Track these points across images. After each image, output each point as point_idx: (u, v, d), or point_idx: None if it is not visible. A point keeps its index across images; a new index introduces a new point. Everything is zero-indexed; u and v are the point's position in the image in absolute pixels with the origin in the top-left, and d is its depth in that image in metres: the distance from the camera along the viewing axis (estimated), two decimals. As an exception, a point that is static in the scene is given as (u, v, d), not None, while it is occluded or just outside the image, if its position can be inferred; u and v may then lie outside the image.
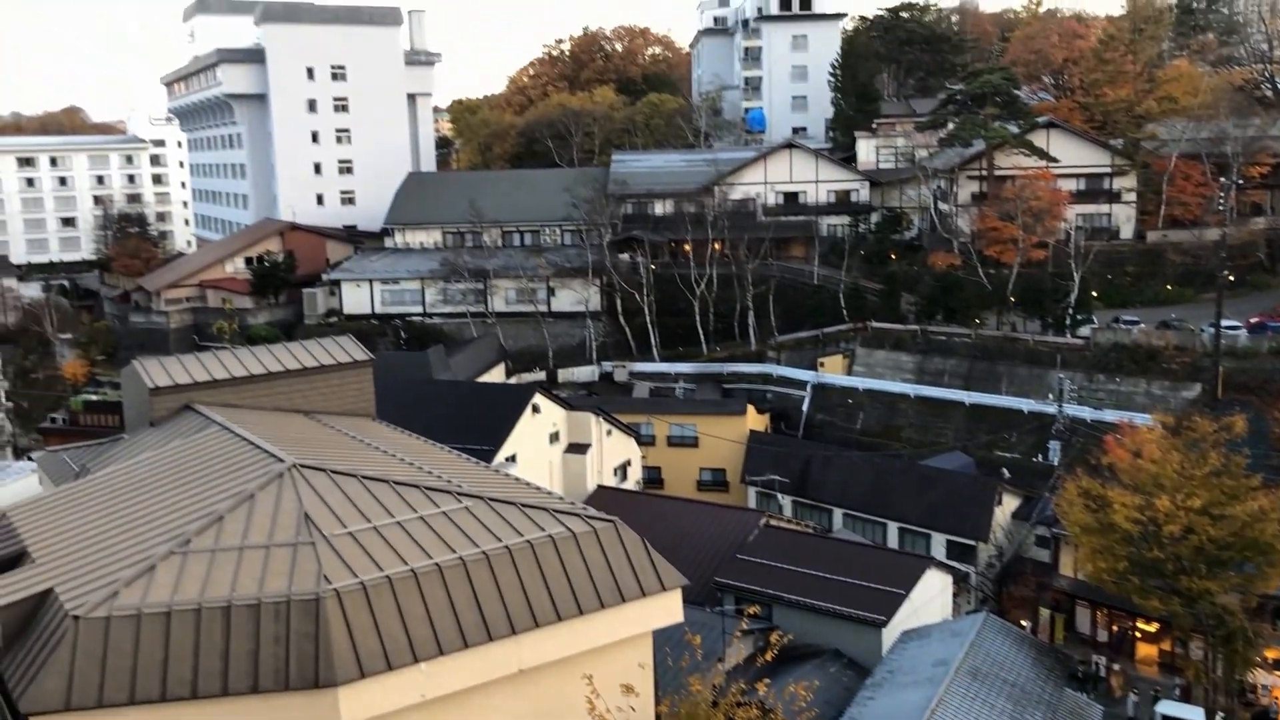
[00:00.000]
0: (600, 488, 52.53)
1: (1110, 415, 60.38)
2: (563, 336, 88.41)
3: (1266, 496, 39.28)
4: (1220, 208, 76.03)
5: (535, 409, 51.09)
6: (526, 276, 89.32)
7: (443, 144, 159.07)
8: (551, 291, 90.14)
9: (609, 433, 55.54)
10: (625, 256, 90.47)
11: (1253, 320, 71.75)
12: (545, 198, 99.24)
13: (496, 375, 78.92)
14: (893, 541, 54.03)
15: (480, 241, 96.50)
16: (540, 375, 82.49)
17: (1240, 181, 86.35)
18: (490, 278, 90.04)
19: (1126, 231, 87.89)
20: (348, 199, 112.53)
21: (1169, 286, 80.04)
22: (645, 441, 62.84)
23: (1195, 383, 64.23)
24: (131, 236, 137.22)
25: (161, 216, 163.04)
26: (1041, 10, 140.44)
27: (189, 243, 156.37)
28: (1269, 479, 42.62)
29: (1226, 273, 68.97)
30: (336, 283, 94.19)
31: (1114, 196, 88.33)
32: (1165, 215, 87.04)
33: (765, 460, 61.21)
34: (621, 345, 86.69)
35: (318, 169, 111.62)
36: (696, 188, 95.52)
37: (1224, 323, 65.23)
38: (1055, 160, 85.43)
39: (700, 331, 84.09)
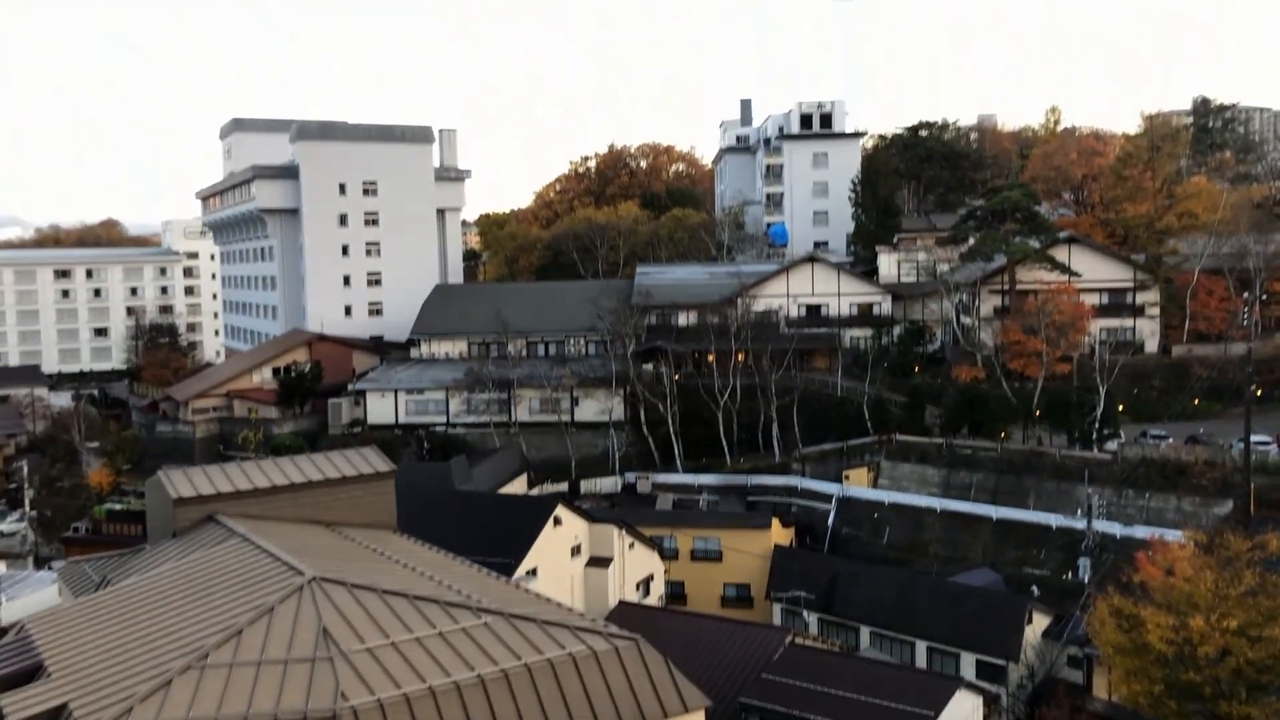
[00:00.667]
0: (622, 603, 51.76)
1: (1140, 531, 59.33)
2: (586, 447, 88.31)
3: (1305, 618, 38.27)
4: (1244, 322, 75.86)
5: (557, 521, 50.74)
6: (550, 386, 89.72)
7: (470, 256, 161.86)
8: (575, 401, 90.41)
9: (631, 546, 54.97)
10: (649, 367, 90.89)
11: (1283, 436, 70.97)
12: (570, 309, 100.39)
13: (519, 486, 78.62)
14: (921, 660, 52.73)
15: (505, 352, 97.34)
16: (563, 486, 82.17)
17: (1264, 296, 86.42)
18: (514, 387, 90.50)
19: (1151, 346, 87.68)
20: (375, 310, 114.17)
21: (1196, 401, 79.40)
22: (668, 555, 62.12)
23: (1227, 499, 63.13)
24: (162, 347, 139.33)
25: (192, 327, 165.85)
26: (1059, 128, 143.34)
27: (218, 353, 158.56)
28: (1307, 599, 41.55)
29: (1254, 387, 68.42)
30: (361, 393, 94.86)
31: (1137, 311, 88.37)
32: (1189, 329, 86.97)
33: (790, 575, 60.27)
34: (645, 456, 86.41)
35: (346, 281, 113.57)
36: (719, 299, 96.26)
37: (1253, 438, 64.45)
38: (1077, 275, 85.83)
39: (724, 443, 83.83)
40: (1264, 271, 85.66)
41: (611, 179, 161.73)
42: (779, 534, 66.88)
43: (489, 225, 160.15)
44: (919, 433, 78.34)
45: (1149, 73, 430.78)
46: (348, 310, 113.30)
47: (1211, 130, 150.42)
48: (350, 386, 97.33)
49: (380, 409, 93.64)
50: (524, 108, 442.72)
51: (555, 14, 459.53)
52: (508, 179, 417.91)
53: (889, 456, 77.23)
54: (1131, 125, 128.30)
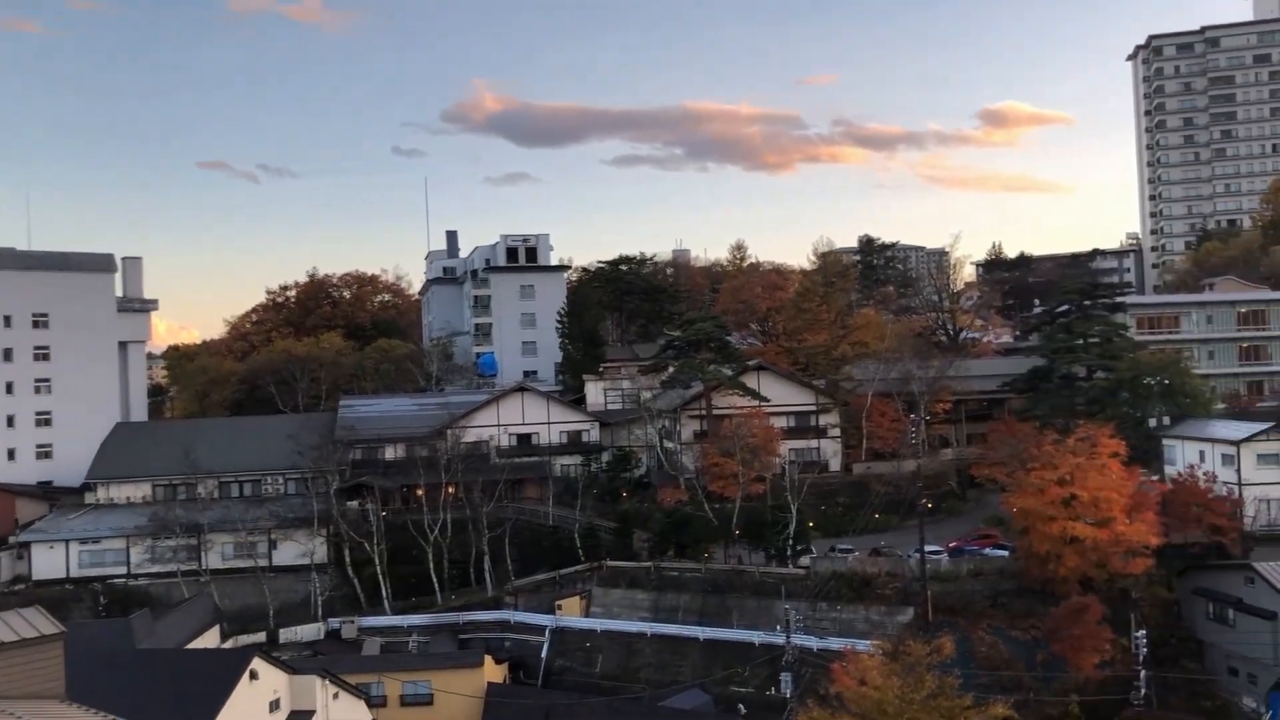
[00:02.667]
0: (326, 758, 48.60)
1: (835, 643, 62.72)
2: (286, 592, 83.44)
3: (979, 716, 41.63)
4: (913, 441, 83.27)
5: (253, 675, 47.27)
6: (246, 529, 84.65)
7: (157, 392, 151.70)
8: (273, 544, 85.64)
9: (336, 696, 52.00)
10: (354, 504, 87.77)
11: (951, 545, 77.81)
12: (267, 446, 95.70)
13: (210, 639, 72.76)
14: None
15: (195, 494, 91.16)
16: (260, 636, 76.90)
17: (928, 417, 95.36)
18: (205, 532, 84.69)
19: (835, 464, 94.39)
20: (44, 452, 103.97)
21: (877, 515, 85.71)
22: (376, 703, 59.18)
23: (908, 607, 68.08)
24: None
25: None
26: (745, 264, 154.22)
27: None
28: (979, 698, 45.32)
29: (925, 501, 74.83)
30: (25, 545, 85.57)
31: (821, 432, 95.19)
32: (867, 448, 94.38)
33: (505, 714, 58.98)
34: (350, 599, 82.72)
35: (10, 422, 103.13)
36: (429, 431, 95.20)
37: (927, 548, 70.28)
38: (766, 399, 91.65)
39: (434, 579, 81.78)
40: (927, 394, 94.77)
41: (313, 309, 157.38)
42: (492, 671, 65.57)
43: (178, 358, 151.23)
44: (629, 557, 79.77)
45: (822, 213, 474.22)
46: (10, 454, 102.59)
47: (876, 267, 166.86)
48: (12, 539, 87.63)
49: (49, 562, 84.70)
50: (220, 231, 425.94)
51: (252, 134, 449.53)
52: (200, 309, 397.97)
53: (601, 583, 77.99)
54: (807, 261, 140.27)
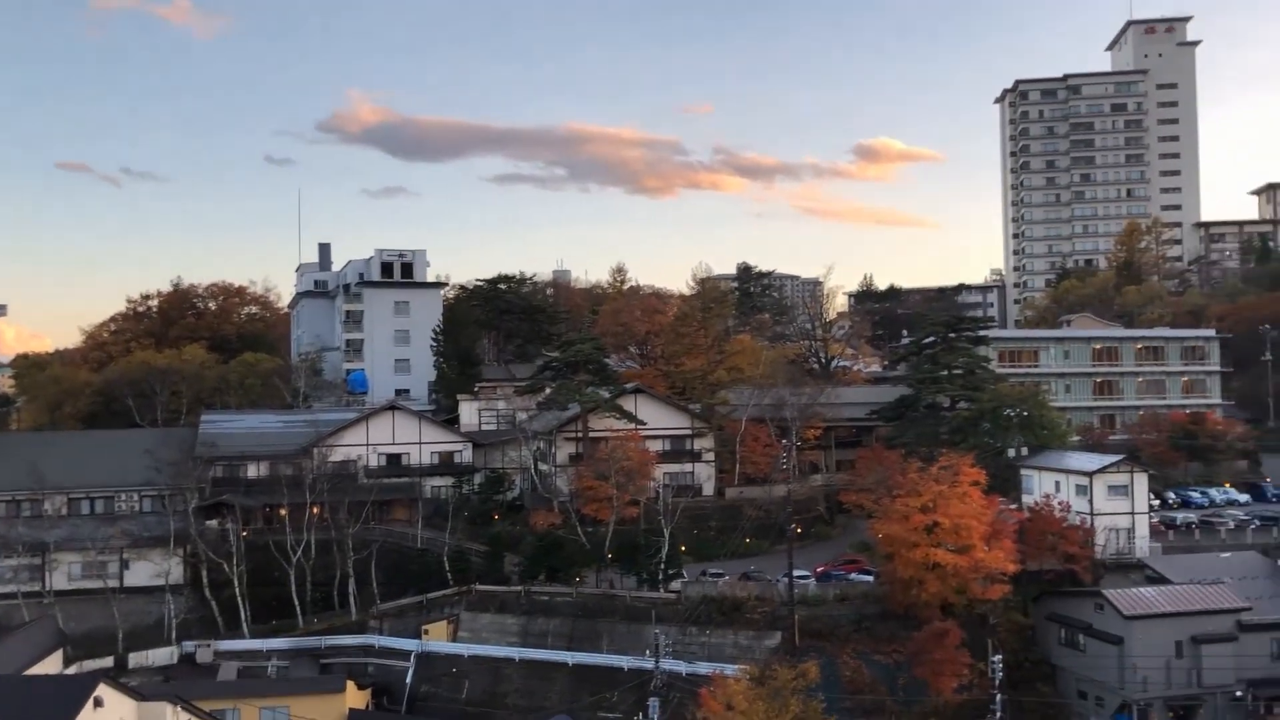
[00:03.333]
0: (174, 790, 46.57)
1: (704, 668, 63.21)
2: (138, 615, 79.89)
3: (841, 739, 42.32)
4: (784, 466, 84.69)
5: (98, 702, 45.03)
6: (96, 548, 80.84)
7: (3, 402, 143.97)
8: (126, 564, 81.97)
9: (187, 724, 49.95)
10: (214, 523, 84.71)
11: (819, 570, 79.30)
12: (122, 461, 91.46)
13: (53, 665, 69.12)
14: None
15: (40, 510, 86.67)
16: (107, 661, 73.37)
17: (799, 443, 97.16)
18: (50, 551, 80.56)
19: (708, 489, 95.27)
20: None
21: (748, 540, 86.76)
22: (230, 730, 57.06)
23: (775, 631, 69.01)
24: None
25: None
26: (625, 287, 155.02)
27: None
28: (842, 721, 46.15)
29: (794, 526, 76.11)
30: None
31: (696, 456, 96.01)
32: (740, 473, 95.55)
33: (365, 741, 57.50)
34: (207, 621, 79.65)
35: None
36: (294, 449, 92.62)
37: (796, 573, 71.46)
38: (643, 423, 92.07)
39: (296, 602, 79.41)
40: (799, 420, 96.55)
41: (176, 319, 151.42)
42: (354, 697, 63.93)
43: (27, 367, 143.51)
44: (499, 581, 78.94)
45: (702, 239, 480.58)
46: None
47: (753, 294, 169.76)
48: None
49: (-127, 582, 79.29)
50: (78, 236, 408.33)
51: (112, 142, 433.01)
52: (54, 316, 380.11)
53: (469, 608, 76.97)
54: (686, 286, 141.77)
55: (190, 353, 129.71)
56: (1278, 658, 63.35)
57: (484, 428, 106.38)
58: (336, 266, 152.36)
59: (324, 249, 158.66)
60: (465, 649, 73.16)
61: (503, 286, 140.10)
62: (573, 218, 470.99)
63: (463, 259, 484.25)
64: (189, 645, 76.62)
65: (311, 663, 74.41)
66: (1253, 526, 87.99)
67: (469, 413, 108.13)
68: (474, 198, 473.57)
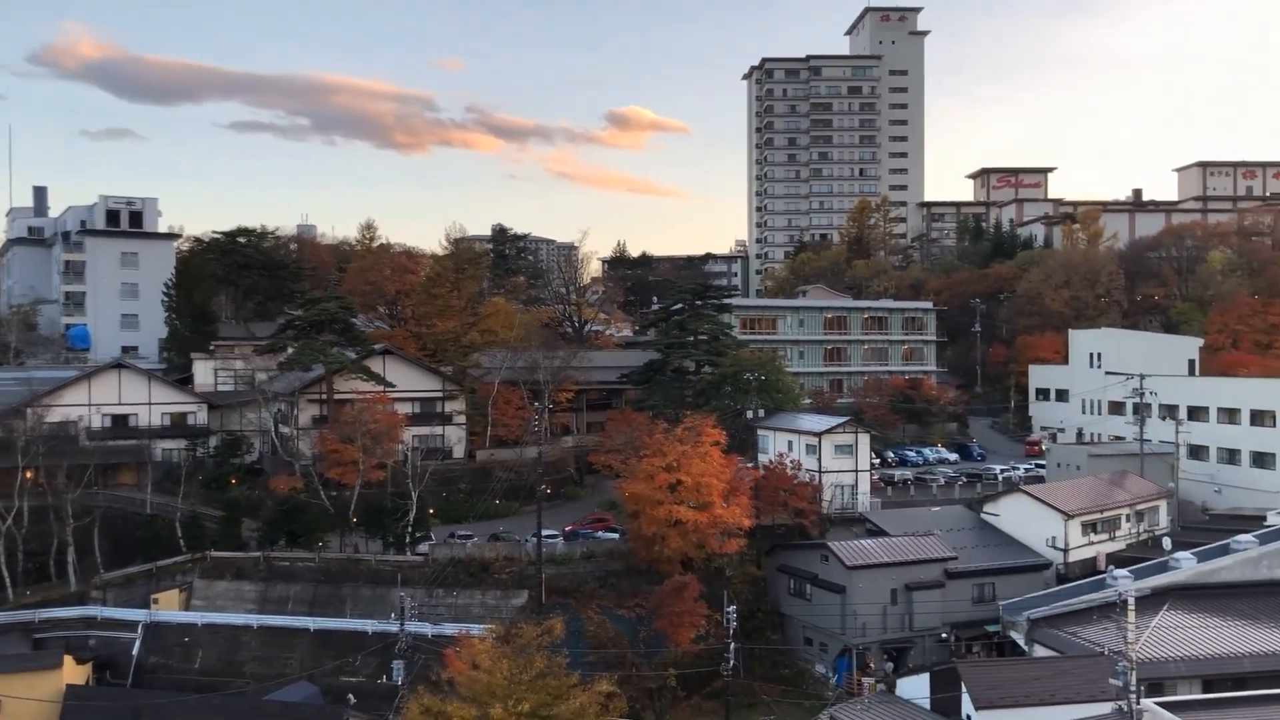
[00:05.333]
0: None
1: (450, 629, 63.11)
2: None
3: (585, 693, 43.43)
4: (535, 429, 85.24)
5: None
6: None
7: None
8: None
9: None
10: (-94, 491, 76.69)
11: (567, 529, 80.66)
12: None
13: None
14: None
15: None
16: None
17: (551, 405, 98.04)
18: None
19: (459, 451, 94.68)
20: None
21: (498, 501, 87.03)
22: (-74, 715, 52.16)
23: (523, 590, 69.75)
24: None
25: None
26: (375, 245, 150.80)
27: None
28: (586, 675, 47.29)
29: (544, 487, 76.90)
30: None
31: (446, 419, 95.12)
32: (492, 436, 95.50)
33: (88, 718, 53.95)
34: (-102, 599, 72.27)
35: None
36: (4, 409, 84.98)
37: (545, 533, 72.35)
38: (392, 385, 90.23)
39: (4, 574, 73.24)
40: (551, 383, 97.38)
41: None
42: (73, 672, 59.90)
43: None
44: (236, 548, 75.78)
45: (455, 198, 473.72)
46: None
47: (508, 256, 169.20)
48: None
49: None
50: None
51: None
52: None
53: (204, 575, 73.54)
54: (439, 246, 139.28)
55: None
56: (978, 602, 69.65)
57: (221, 388, 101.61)
58: (55, 213, 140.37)
59: (39, 192, 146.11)
60: (199, 618, 69.87)
61: (242, 240, 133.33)
62: (318, 171, 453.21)
63: (198, 211, 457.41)
64: (-125, 625, 69.20)
65: (23, 638, 68.76)
66: (960, 483, 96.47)
67: (204, 372, 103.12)
68: (211, 145, 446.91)
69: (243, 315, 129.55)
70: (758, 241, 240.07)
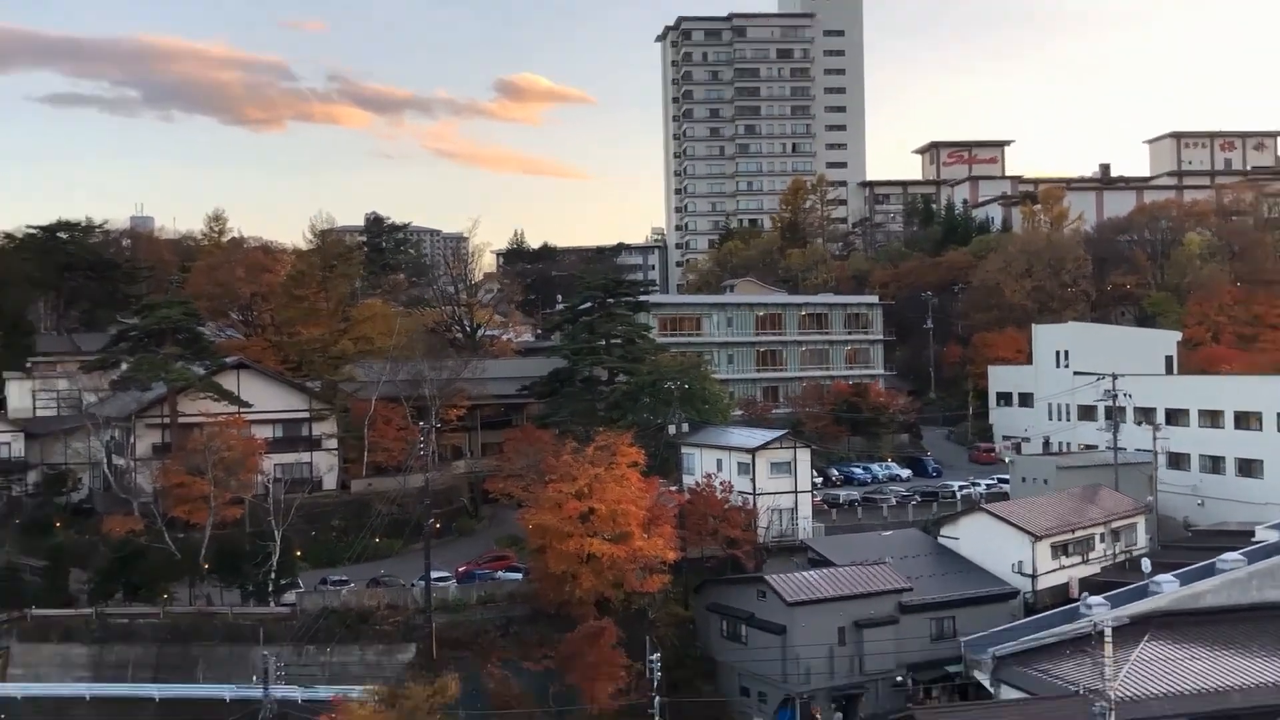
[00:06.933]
0: None
1: (324, 691, 62.37)
2: None
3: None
4: (421, 452, 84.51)
5: None
6: None
7: None
8: None
9: None
10: None
11: (461, 570, 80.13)
12: None
13: None
14: None
15: None
16: None
17: (439, 425, 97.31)
18: None
19: (330, 481, 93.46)
20: None
21: (377, 539, 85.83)
22: None
23: (410, 643, 69.01)
24: None
25: None
26: (225, 239, 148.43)
27: None
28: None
29: (433, 521, 76.21)
30: None
31: (315, 443, 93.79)
32: (369, 462, 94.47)
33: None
34: None
35: None
36: None
37: (434, 575, 71.67)
38: (248, 405, 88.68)
39: None
40: (439, 399, 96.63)
41: None
42: None
43: None
44: (64, 604, 74.23)
45: (320, 183, 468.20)
46: None
47: (385, 250, 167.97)
48: None
49: None
50: None
51: None
52: None
53: (23, 638, 71.71)
54: (303, 240, 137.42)
55: None
56: (937, 638, 70.76)
57: (41, 413, 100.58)
58: None
59: None
60: (18, 689, 68.25)
61: (64, 236, 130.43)
62: (154, 153, 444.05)
63: (8, 201, 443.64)
64: None
65: None
66: (913, 503, 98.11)
67: (20, 394, 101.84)
68: (21, 121, 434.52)
69: (66, 325, 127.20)
70: (677, 229, 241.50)
